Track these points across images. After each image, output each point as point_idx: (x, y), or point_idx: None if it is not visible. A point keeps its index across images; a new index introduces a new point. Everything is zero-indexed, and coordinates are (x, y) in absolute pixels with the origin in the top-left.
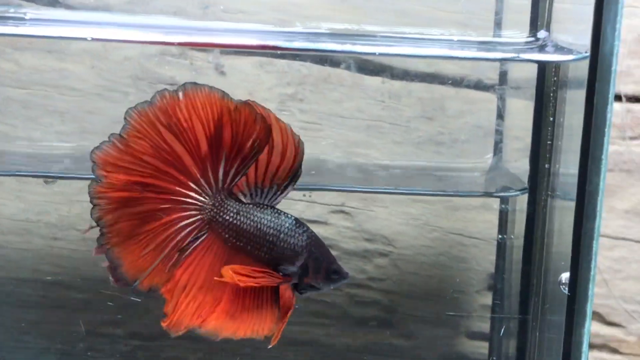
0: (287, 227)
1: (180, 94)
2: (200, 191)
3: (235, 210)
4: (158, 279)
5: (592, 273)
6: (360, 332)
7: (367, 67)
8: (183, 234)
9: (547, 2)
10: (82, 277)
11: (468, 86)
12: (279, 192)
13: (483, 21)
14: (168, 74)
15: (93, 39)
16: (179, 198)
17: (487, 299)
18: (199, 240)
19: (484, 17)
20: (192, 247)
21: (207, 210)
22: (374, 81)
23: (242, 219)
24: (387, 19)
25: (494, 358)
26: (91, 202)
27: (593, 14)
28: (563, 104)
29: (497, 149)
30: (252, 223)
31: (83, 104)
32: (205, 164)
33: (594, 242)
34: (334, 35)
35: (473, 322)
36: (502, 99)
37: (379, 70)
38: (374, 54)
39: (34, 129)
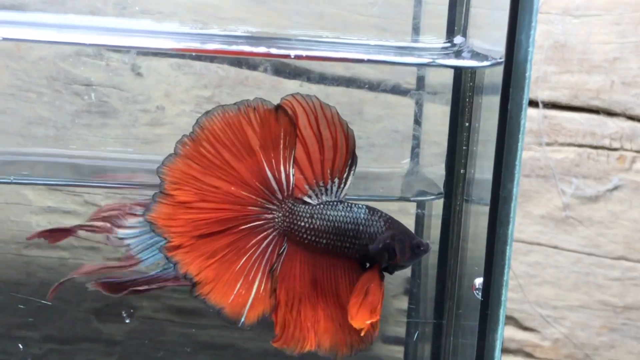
0: (363, 217)
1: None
2: (268, 207)
3: (308, 215)
4: (263, 307)
5: (505, 278)
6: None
7: (285, 70)
8: (267, 255)
9: (464, 7)
10: None
11: (386, 91)
12: (342, 185)
13: (401, 26)
14: (84, 75)
15: (4, 39)
16: (250, 222)
17: (404, 303)
18: (283, 254)
19: (402, 22)
20: (279, 264)
21: (280, 223)
22: (292, 84)
23: (317, 221)
24: (305, 22)
25: None
26: (169, 260)
27: (508, 21)
28: (479, 109)
29: (414, 153)
30: (328, 222)
31: None
32: (258, 178)
33: (508, 247)
34: (250, 38)
35: (389, 327)
36: (419, 103)
37: (296, 74)
38: (288, 56)
39: None
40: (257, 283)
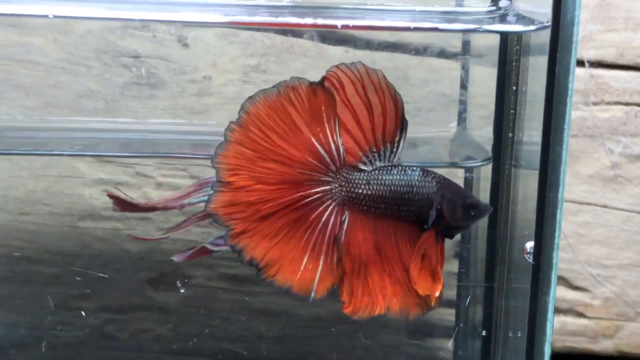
0: (417, 179)
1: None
2: (324, 180)
3: (365, 181)
4: (331, 279)
5: (556, 241)
6: (329, 302)
7: (331, 37)
8: (329, 227)
9: None
10: (49, 252)
11: (431, 55)
12: (395, 149)
13: None
14: (131, 47)
15: (55, 17)
16: (308, 197)
17: (454, 266)
18: (345, 223)
19: None
20: (342, 233)
21: (338, 194)
22: (338, 51)
23: (374, 187)
24: None
25: (461, 325)
26: (233, 250)
27: None
28: (526, 71)
29: (461, 117)
30: (385, 187)
31: (47, 78)
32: (309, 154)
33: (558, 211)
34: (296, 8)
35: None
36: (465, 67)
37: (342, 40)
38: (335, 26)
39: None
40: (323, 256)
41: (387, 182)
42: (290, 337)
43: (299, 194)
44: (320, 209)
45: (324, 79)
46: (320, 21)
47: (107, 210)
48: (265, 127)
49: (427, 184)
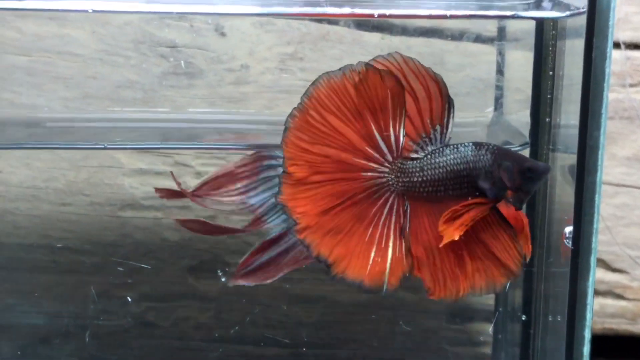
0: (470, 154)
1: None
2: (381, 171)
3: (418, 168)
4: (401, 269)
5: (594, 226)
6: None
7: (366, 24)
8: (393, 218)
9: None
10: (91, 242)
11: (467, 40)
12: (445, 130)
13: None
14: (168, 37)
15: (94, 11)
16: (366, 190)
17: None
18: (408, 213)
19: None
20: (407, 222)
21: (395, 185)
22: (374, 37)
23: (429, 172)
24: None
25: (500, 309)
26: (302, 244)
27: None
28: (562, 56)
29: (498, 102)
30: (440, 170)
31: (85, 69)
32: (367, 142)
33: (596, 195)
34: None
35: None
36: (501, 52)
37: (378, 27)
38: (372, 15)
39: (38, 95)
40: (390, 247)
41: (441, 164)
42: (330, 323)
43: (357, 186)
44: (381, 201)
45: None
46: (357, 11)
47: (147, 200)
48: (325, 110)
49: (481, 157)
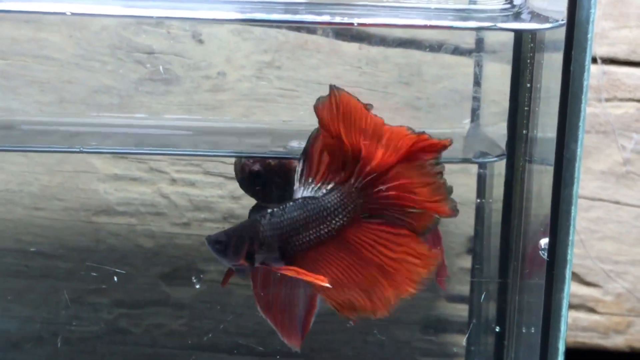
0: None
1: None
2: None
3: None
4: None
5: (570, 238)
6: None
7: (345, 33)
8: None
9: None
10: (64, 247)
11: (445, 52)
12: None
13: None
14: (145, 43)
15: (73, 14)
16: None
17: (466, 262)
18: None
19: None
20: None
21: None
22: (351, 47)
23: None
24: None
25: (474, 321)
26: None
27: None
28: (540, 68)
29: (475, 114)
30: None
31: (62, 73)
32: None
33: (573, 207)
34: (311, 5)
35: (452, 286)
36: (478, 63)
37: (356, 37)
38: (352, 24)
39: (13, 99)
40: None
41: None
42: None
43: None
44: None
45: None
46: (337, 19)
47: (121, 206)
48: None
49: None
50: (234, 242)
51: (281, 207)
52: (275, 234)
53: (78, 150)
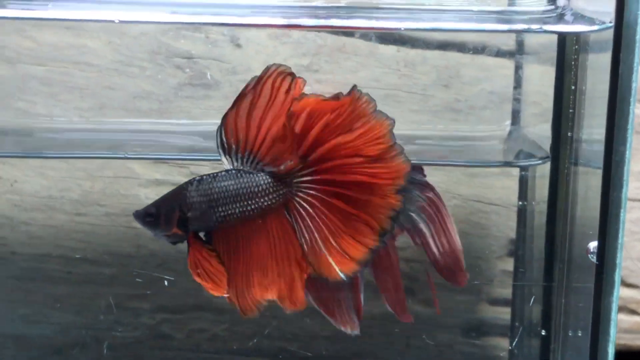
0: None
1: None
2: None
3: None
4: None
5: (619, 241)
6: (381, 301)
7: (383, 35)
8: None
9: None
10: (106, 253)
11: (489, 54)
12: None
13: None
14: (184, 48)
15: (120, 22)
16: None
17: (508, 265)
18: None
19: None
20: None
21: None
22: (389, 49)
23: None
24: None
25: (517, 324)
26: None
27: None
28: (585, 70)
29: (515, 115)
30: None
31: (101, 79)
32: None
33: (622, 210)
34: (352, 9)
35: (494, 289)
36: (519, 65)
37: (394, 39)
38: (399, 29)
39: (54, 105)
40: None
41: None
42: (345, 336)
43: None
44: None
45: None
46: (383, 24)
47: None
48: None
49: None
50: (164, 212)
51: (212, 174)
52: (204, 200)
53: (123, 156)
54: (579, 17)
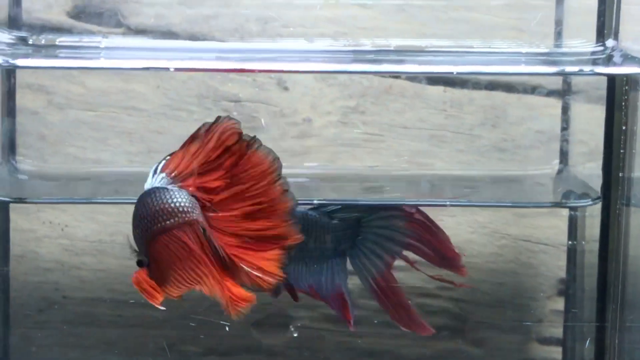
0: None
1: None
2: None
3: None
4: None
5: None
6: (432, 341)
7: (430, 77)
8: None
9: (614, 6)
10: None
11: (539, 94)
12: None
13: (541, 26)
14: (231, 92)
15: (176, 69)
16: None
17: (558, 304)
18: None
19: (542, 22)
20: None
21: None
22: (435, 90)
23: None
24: (444, 28)
25: None
26: None
27: None
28: (635, 110)
29: (563, 154)
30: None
31: (149, 124)
32: None
33: None
34: (400, 53)
35: (544, 328)
36: (566, 104)
37: (440, 80)
38: (451, 73)
39: (103, 150)
40: None
41: None
42: None
43: None
44: None
45: None
46: (433, 68)
47: None
48: None
49: None
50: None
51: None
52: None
53: None
54: (629, 58)
